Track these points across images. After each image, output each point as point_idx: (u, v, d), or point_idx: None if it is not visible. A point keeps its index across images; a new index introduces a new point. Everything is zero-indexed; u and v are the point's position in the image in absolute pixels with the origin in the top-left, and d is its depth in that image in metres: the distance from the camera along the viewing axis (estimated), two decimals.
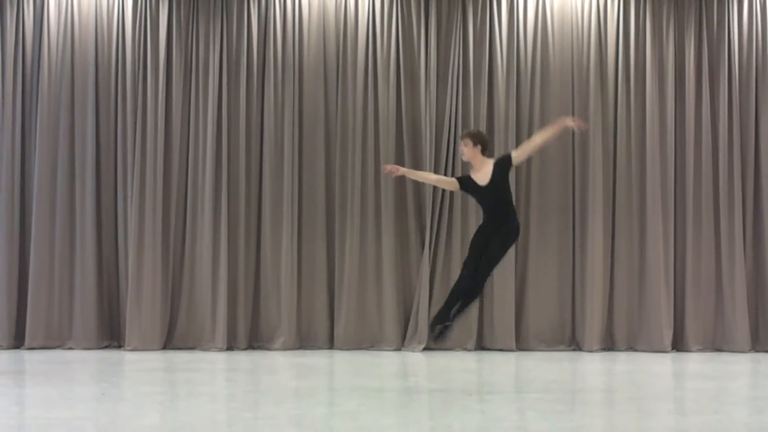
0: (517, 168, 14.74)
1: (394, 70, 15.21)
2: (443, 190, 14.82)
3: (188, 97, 15.10)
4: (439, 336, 10.64)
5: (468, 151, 10.62)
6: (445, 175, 14.59)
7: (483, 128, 14.98)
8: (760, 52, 15.39)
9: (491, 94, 15.24)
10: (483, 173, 10.52)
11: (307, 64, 15.20)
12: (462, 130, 14.66)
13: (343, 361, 13.72)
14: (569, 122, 10.75)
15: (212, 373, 12.36)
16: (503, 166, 10.50)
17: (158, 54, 14.98)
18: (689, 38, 15.39)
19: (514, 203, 10.86)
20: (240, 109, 15.00)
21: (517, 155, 10.64)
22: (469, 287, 10.42)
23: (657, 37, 15.39)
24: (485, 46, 15.23)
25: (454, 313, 10.48)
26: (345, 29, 15.25)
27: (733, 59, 15.36)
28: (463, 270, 10.55)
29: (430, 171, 14.77)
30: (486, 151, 10.69)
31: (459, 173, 14.32)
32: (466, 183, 10.69)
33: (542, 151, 14.87)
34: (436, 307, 14.55)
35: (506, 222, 10.48)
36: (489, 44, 15.25)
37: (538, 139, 10.70)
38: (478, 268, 10.40)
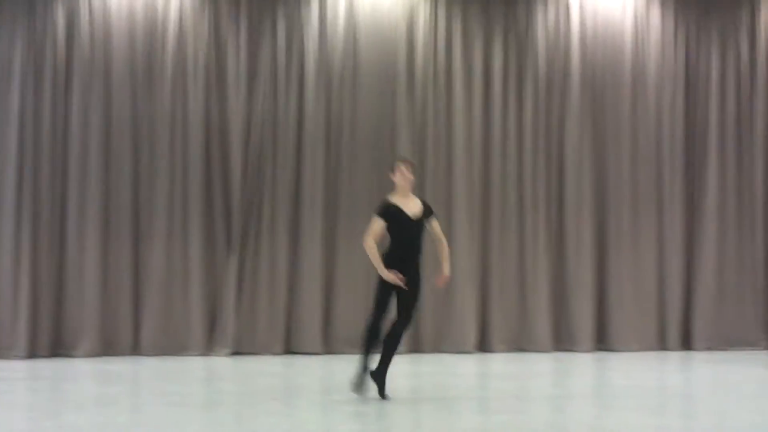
0: (327, 169, 14.90)
1: (203, 72, 15.05)
2: (252, 192, 14.80)
3: None
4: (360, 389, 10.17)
5: (410, 177, 10.19)
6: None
7: (293, 131, 15.01)
8: (563, 57, 15.78)
9: (302, 96, 15.25)
10: (413, 206, 10.14)
11: (115, 65, 14.89)
12: (270, 132, 14.83)
13: (148, 367, 13.50)
14: (443, 278, 10.36)
15: (12, 381, 12.00)
16: (429, 211, 10.26)
17: None
18: (497, 43, 15.68)
19: None
20: (44, 110, 14.58)
21: (436, 222, 10.35)
22: (394, 335, 9.95)
23: (465, 41, 15.64)
24: (295, 49, 15.22)
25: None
26: (153, 30, 15.01)
27: (539, 64, 15.71)
28: (376, 316, 10.01)
29: (237, 172, 14.77)
30: None
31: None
32: (394, 212, 10.06)
33: (352, 153, 15.05)
34: (245, 311, 14.58)
35: (418, 259, 10.06)
36: (300, 47, 15.24)
37: (443, 247, 10.34)
38: (388, 310, 10.00)
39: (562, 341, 15.55)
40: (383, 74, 15.46)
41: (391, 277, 9.84)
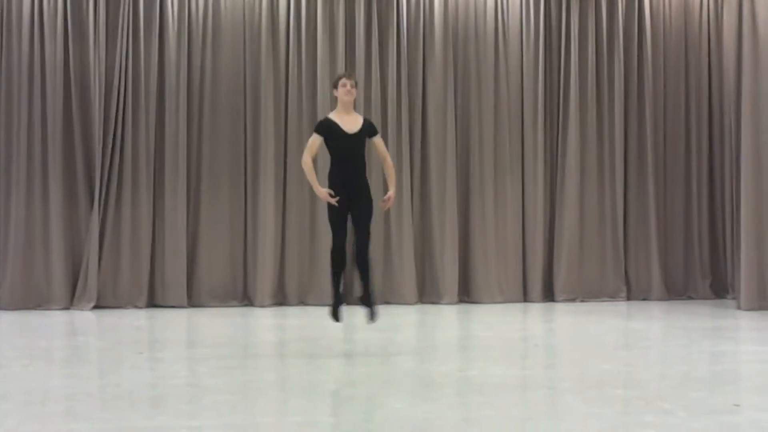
0: (189, 121, 14.81)
1: (62, 21, 14.75)
2: (112, 146, 14.62)
3: None
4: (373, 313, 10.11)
5: (354, 92, 9.97)
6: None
7: (154, 82, 14.84)
8: (427, 13, 15.82)
9: (162, 47, 15.06)
10: (352, 122, 9.91)
11: None
12: (131, 84, 14.61)
13: (8, 321, 13.26)
14: (388, 198, 10.04)
15: None
16: (371, 128, 10.06)
17: None
18: None
19: None
20: None
21: (380, 141, 10.17)
22: (360, 257, 9.88)
23: None
24: (156, 0, 15.01)
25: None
26: None
27: (401, 20, 15.73)
28: (335, 240, 9.89)
29: (99, 123, 14.54)
30: None
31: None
32: (330, 127, 9.87)
33: (213, 105, 14.93)
34: (107, 264, 14.39)
35: (363, 176, 9.90)
36: None
37: (387, 166, 10.15)
38: (346, 231, 9.87)
39: (426, 294, 15.68)
40: (246, 27, 15.34)
41: (322, 193, 9.74)
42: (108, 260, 14.74)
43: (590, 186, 16.18)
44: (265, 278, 15.00)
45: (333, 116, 9.99)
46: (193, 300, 14.88)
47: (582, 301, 15.93)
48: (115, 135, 14.74)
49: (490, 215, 15.84)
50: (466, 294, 15.81)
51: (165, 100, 14.97)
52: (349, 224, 9.91)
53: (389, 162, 10.19)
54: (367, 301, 10.04)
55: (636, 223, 16.34)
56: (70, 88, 14.72)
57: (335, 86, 10.04)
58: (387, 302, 15.32)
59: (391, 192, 10.03)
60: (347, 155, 9.86)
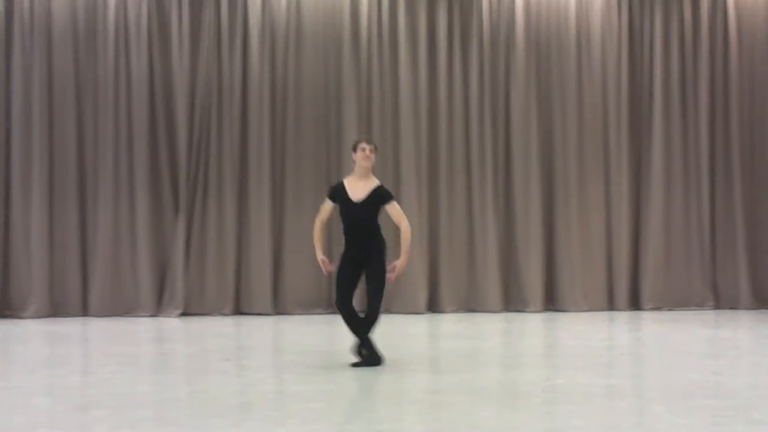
0: (273, 128, 14.87)
1: (146, 32, 14.94)
2: (197, 154, 14.77)
3: None
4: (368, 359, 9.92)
5: (372, 158, 9.84)
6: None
7: (238, 92, 14.96)
8: (509, 20, 15.78)
9: (246, 58, 15.20)
10: (361, 189, 9.75)
11: (56, 25, 14.77)
12: (215, 93, 14.77)
13: (97, 327, 13.44)
14: (393, 268, 9.69)
15: None
16: (381, 196, 9.75)
17: None
18: (441, 5, 15.62)
19: (381, 233, 9.86)
20: None
21: (393, 209, 9.77)
22: (368, 314, 9.75)
23: (409, 5, 15.58)
24: (238, 8, 15.14)
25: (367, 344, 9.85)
26: None
27: (483, 26, 15.69)
28: (336, 297, 9.76)
29: (184, 133, 14.73)
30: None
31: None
32: (339, 193, 9.84)
33: (297, 112, 15.01)
34: (194, 272, 14.52)
35: (369, 243, 9.70)
36: (242, 5, 15.15)
37: (401, 234, 9.77)
38: (350, 293, 9.74)
39: (511, 302, 15.63)
40: (328, 36, 15.42)
41: (319, 258, 9.88)
42: (194, 268, 14.88)
43: (676, 192, 16.01)
44: None
45: (346, 181, 9.93)
46: (278, 307, 14.96)
47: (668, 310, 15.76)
48: (200, 143, 14.89)
49: (574, 223, 15.75)
50: (551, 302, 15.73)
51: (248, 108, 15.09)
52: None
53: (403, 229, 9.82)
54: (370, 351, 9.83)
55: (723, 230, 16.14)
56: (154, 98, 14.90)
57: (354, 149, 9.89)
58: (472, 310, 15.31)
59: (398, 262, 9.72)
60: (351, 222, 9.76)
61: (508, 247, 15.72)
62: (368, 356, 9.77)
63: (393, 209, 9.82)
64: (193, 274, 14.89)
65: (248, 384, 8.74)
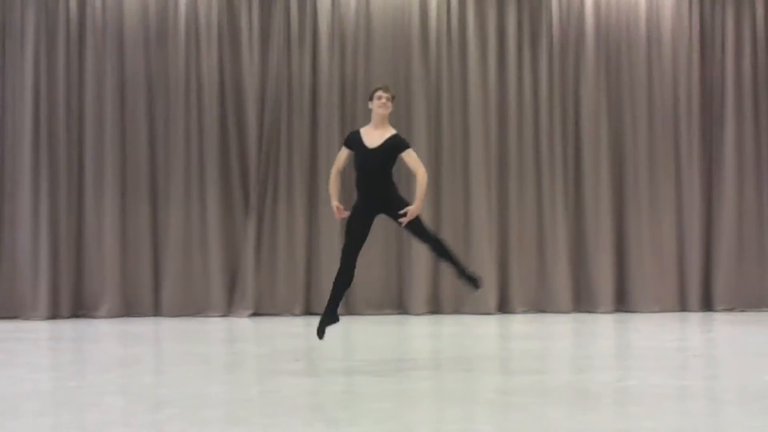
0: (342, 129, 14.90)
1: (216, 32, 15.05)
2: (268, 154, 14.85)
3: (3, 63, 14.69)
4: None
5: (389, 105, 9.77)
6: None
7: (308, 92, 14.99)
8: (578, 18, 15.70)
9: (315, 57, 15.24)
10: (377, 137, 9.70)
11: (128, 27, 14.94)
12: (285, 93, 14.82)
13: (169, 327, 13.57)
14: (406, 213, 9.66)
15: (35, 342, 12.07)
16: (396, 144, 9.71)
17: None
18: (511, 5, 15.58)
19: (395, 184, 9.90)
20: (58, 73, 14.68)
21: (409, 157, 9.72)
22: (435, 252, 9.89)
23: (478, 5, 15.56)
24: (308, 8, 15.20)
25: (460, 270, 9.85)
26: None
27: (553, 24, 15.64)
28: (344, 245, 9.87)
29: (254, 133, 14.77)
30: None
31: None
32: (354, 140, 9.79)
33: (366, 113, 14.97)
34: (264, 272, 14.58)
35: (383, 191, 9.72)
36: (312, 6, 15.21)
37: (417, 180, 9.70)
38: (359, 241, 9.80)
39: (581, 302, 15.55)
40: (397, 35, 15.43)
41: (334, 205, 9.91)
42: (264, 268, 14.97)
43: (748, 192, 15.84)
44: (420, 286, 15.06)
45: (362, 130, 9.90)
46: (348, 308, 14.96)
47: (741, 311, 15.60)
48: (269, 144, 14.97)
49: (645, 222, 15.63)
50: (621, 303, 15.63)
51: (318, 108, 15.14)
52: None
53: (419, 175, 9.73)
54: (464, 275, 9.86)
55: None
56: (225, 100, 15.01)
57: (371, 98, 9.84)
58: (542, 310, 15.26)
59: (411, 207, 9.66)
60: (363, 170, 9.70)
61: (578, 247, 15.65)
62: (468, 278, 9.90)
63: (409, 157, 9.77)
64: (263, 274, 14.98)
65: (319, 384, 8.76)
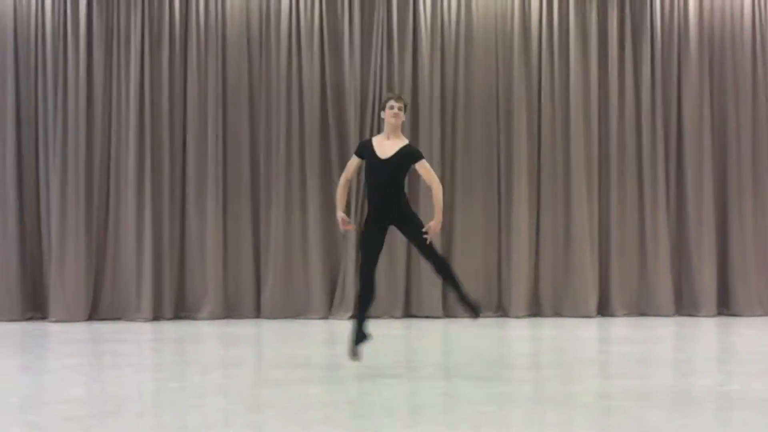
0: (443, 131, 14.89)
1: (318, 36, 15.12)
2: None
3: (110, 67, 14.87)
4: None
5: (402, 116, 9.63)
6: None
7: (408, 93, 14.99)
8: (681, 16, 15.52)
9: (416, 58, 15.25)
10: (389, 147, 9.54)
11: (230, 31, 15.07)
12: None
13: (270, 330, 13.68)
14: (428, 228, 9.54)
15: (138, 343, 12.25)
16: (409, 155, 9.55)
17: (78, 23, 14.70)
18: (613, 5, 15.46)
19: (406, 196, 9.78)
20: (162, 78, 14.84)
21: (423, 168, 9.60)
22: (438, 271, 9.73)
23: (580, 3, 15.46)
24: (409, 11, 15.21)
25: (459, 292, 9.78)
26: None
27: (655, 23, 15.48)
28: (361, 266, 9.61)
29: (355, 137, 14.78)
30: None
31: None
32: (366, 150, 9.62)
33: (467, 114, 15.02)
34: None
35: (396, 202, 9.53)
36: (413, 8, 15.22)
37: (433, 193, 9.71)
38: (375, 259, 9.54)
39: (684, 305, 15.36)
40: (498, 37, 15.37)
41: (339, 216, 9.73)
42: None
43: None
44: (519, 288, 15.00)
45: (375, 138, 9.73)
46: (447, 310, 14.95)
47: None
48: None
49: (749, 224, 15.39)
50: (725, 306, 15.40)
51: (419, 110, 15.13)
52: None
53: (434, 188, 9.65)
54: (465, 300, 9.73)
55: None
56: (326, 102, 15.07)
57: (383, 108, 9.68)
58: (643, 314, 15.11)
59: (433, 222, 9.57)
60: (375, 181, 9.52)
61: (680, 250, 15.45)
62: (469, 304, 9.75)
63: (423, 168, 9.61)
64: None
65: (419, 387, 8.79)
